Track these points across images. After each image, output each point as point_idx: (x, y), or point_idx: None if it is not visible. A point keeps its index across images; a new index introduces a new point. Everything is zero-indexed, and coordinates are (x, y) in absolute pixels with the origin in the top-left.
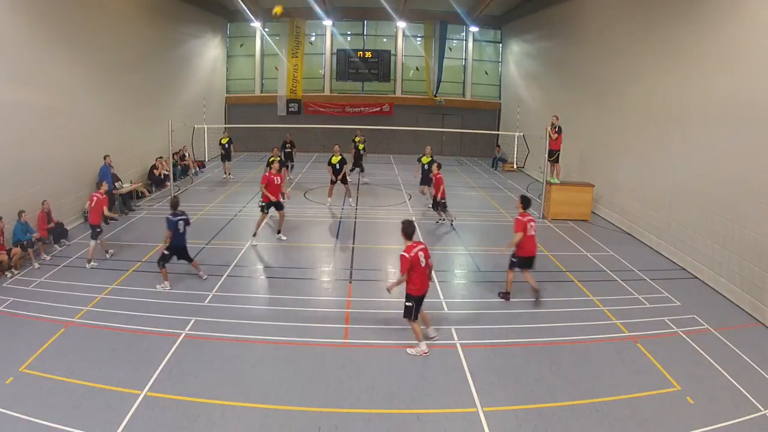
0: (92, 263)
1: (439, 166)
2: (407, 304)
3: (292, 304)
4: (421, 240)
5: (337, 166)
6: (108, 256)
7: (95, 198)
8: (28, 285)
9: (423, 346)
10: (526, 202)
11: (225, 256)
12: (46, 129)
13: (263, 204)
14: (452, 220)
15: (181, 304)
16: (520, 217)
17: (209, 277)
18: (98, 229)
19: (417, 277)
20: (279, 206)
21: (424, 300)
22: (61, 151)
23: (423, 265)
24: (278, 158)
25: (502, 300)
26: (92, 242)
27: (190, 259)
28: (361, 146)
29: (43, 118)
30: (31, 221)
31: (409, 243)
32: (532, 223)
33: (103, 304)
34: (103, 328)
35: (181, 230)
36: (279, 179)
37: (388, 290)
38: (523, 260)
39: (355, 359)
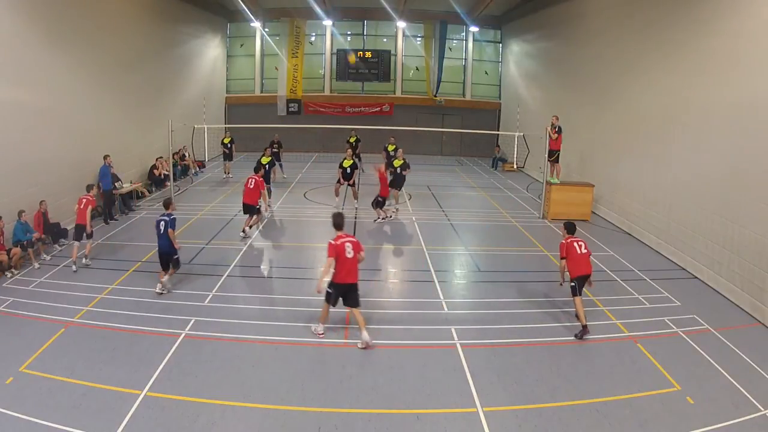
0: (88, 261)
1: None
2: (328, 290)
3: (293, 304)
4: (422, 241)
5: (348, 170)
6: (74, 267)
7: (84, 200)
8: (28, 285)
9: (320, 328)
10: (569, 227)
11: (225, 256)
12: (46, 129)
13: (257, 207)
14: (381, 218)
15: (181, 304)
16: (564, 241)
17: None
18: (88, 230)
19: (340, 267)
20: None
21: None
22: (61, 151)
23: (350, 256)
24: (269, 158)
25: (578, 337)
26: (88, 241)
27: (165, 267)
28: (391, 147)
29: (43, 118)
30: (29, 221)
31: (339, 233)
32: (580, 243)
33: (103, 304)
34: (103, 328)
35: (161, 231)
36: (252, 182)
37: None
38: (581, 280)
39: (355, 359)
